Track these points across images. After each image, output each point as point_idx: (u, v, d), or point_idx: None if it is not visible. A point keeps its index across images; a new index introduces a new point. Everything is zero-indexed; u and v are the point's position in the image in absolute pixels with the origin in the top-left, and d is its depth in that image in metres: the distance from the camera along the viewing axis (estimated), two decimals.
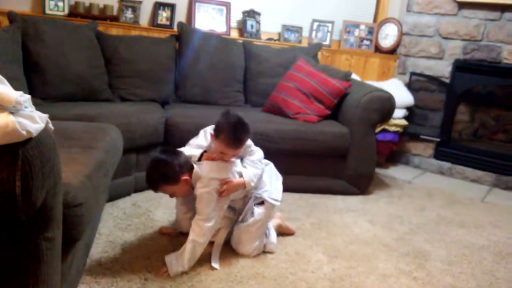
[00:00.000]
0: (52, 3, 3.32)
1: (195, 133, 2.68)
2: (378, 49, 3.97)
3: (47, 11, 3.30)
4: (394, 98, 2.94)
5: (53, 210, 1.08)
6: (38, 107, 1.09)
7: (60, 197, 1.14)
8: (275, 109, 3.10)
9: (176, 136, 2.68)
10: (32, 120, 0.97)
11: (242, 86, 3.43)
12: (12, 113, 0.95)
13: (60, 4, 3.34)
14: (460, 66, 3.62)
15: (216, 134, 1.89)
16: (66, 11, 3.35)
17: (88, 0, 3.41)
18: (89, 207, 1.38)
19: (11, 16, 2.69)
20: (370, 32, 3.93)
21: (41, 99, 2.62)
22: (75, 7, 3.36)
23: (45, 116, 1.01)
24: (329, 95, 3.03)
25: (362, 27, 3.93)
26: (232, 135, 1.85)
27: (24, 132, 0.93)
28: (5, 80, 1.02)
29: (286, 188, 2.23)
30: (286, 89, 3.10)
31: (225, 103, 3.29)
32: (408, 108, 3.73)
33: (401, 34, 3.85)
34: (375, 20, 4.01)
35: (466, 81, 3.61)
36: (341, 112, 3.06)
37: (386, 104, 2.92)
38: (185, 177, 1.85)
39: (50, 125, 1.08)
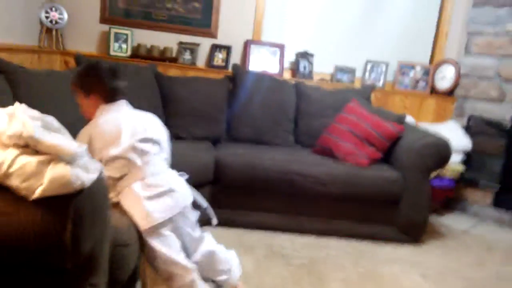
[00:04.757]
0: (117, 45, 3.54)
1: (244, 172, 2.74)
2: (434, 91, 3.86)
3: (112, 53, 3.53)
4: (450, 144, 2.83)
5: (100, 258, 1.12)
6: None
7: (107, 245, 1.18)
8: (326, 151, 3.08)
9: (226, 175, 2.73)
10: (87, 170, 1.03)
11: (292, 126, 3.45)
12: (68, 163, 1.01)
13: (124, 46, 3.56)
14: None
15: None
16: (129, 53, 3.56)
17: (149, 42, 3.61)
18: (135, 248, 1.43)
19: (78, 58, 2.90)
20: (426, 73, 3.85)
21: None
22: (137, 49, 3.57)
23: (100, 167, 1.07)
24: (381, 138, 2.97)
25: (418, 68, 3.85)
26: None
27: (78, 183, 0.98)
28: (63, 129, 1.09)
29: (334, 233, 2.17)
30: (338, 132, 3.08)
31: (276, 142, 3.32)
32: (465, 153, 3.58)
33: (459, 75, 3.73)
34: (431, 61, 3.92)
35: None
36: (394, 156, 2.99)
37: (442, 150, 2.81)
38: (97, 102, 1.81)
39: (104, 174, 1.14)
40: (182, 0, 3.62)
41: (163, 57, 3.59)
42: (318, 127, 3.30)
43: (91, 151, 1.67)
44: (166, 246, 1.69)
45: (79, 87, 1.82)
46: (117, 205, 1.69)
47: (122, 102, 1.88)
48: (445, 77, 3.80)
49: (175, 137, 3.16)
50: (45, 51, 3.34)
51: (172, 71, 3.56)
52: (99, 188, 1.05)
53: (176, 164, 2.47)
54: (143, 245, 1.66)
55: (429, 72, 3.84)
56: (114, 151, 1.69)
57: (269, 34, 3.79)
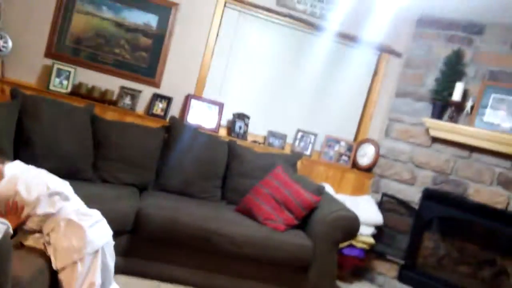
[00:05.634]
0: (58, 80, 3.57)
1: (164, 226, 2.80)
2: (355, 166, 4.19)
3: (51, 87, 3.54)
4: (359, 220, 3.08)
5: None
6: None
7: None
8: (247, 210, 3.23)
9: (145, 226, 2.78)
10: None
11: (221, 182, 3.58)
12: None
13: (65, 82, 3.59)
14: (428, 195, 3.81)
15: None
16: (69, 89, 3.59)
17: (92, 83, 3.67)
18: None
19: (14, 92, 2.91)
20: (349, 149, 4.18)
21: None
22: (78, 87, 3.61)
23: (4, 228, 1.14)
24: (299, 206, 3.17)
25: (343, 143, 4.18)
26: None
27: None
28: None
29: None
30: (260, 194, 3.26)
31: (202, 196, 3.42)
32: (377, 227, 3.86)
33: (378, 155, 4.09)
34: (355, 138, 4.28)
35: (433, 210, 3.78)
36: (309, 224, 3.18)
37: (351, 225, 3.06)
38: None
39: (10, 231, 1.20)
40: (130, 48, 3.75)
41: (103, 98, 3.65)
42: (245, 187, 3.45)
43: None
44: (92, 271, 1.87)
45: None
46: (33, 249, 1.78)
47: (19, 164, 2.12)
48: (366, 155, 4.15)
49: (102, 180, 3.18)
50: None
51: (110, 114, 3.61)
52: (4, 247, 1.12)
53: (96, 209, 2.51)
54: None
55: (352, 148, 4.18)
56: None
57: (210, 91, 3.98)
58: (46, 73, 3.59)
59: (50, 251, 1.85)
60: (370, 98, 4.24)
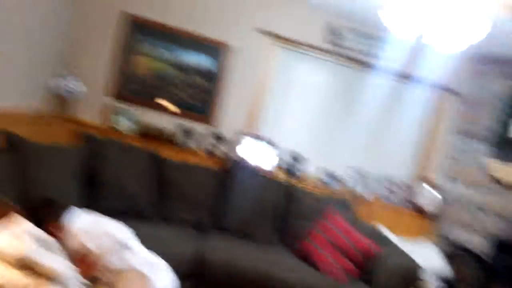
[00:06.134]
0: (121, 120, 3.75)
1: (226, 273, 2.81)
2: (414, 208, 4.04)
3: (115, 126, 3.74)
4: (419, 269, 2.96)
5: None
6: None
7: None
8: (306, 256, 3.18)
9: (207, 272, 2.79)
10: None
11: (278, 224, 3.56)
12: (56, 283, 1.13)
13: (128, 122, 3.77)
14: (502, 246, 3.56)
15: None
16: (132, 129, 3.77)
17: (151, 122, 3.85)
18: None
19: (84, 137, 3.10)
20: (408, 190, 4.05)
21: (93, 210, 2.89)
22: (140, 127, 3.80)
23: (79, 285, 1.19)
24: (359, 253, 3.09)
25: (400, 184, 4.07)
26: None
27: None
28: (59, 250, 1.22)
29: None
30: (318, 240, 3.21)
31: (259, 238, 3.41)
32: (444, 279, 3.66)
33: (438, 198, 3.93)
34: (414, 179, 4.15)
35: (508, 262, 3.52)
36: (373, 275, 3.07)
37: (411, 274, 2.94)
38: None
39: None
40: (187, 88, 3.89)
41: (162, 137, 3.79)
42: (302, 229, 3.41)
43: None
44: None
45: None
46: None
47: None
48: (425, 197, 4.00)
49: (163, 219, 3.27)
50: (53, 116, 3.53)
51: (168, 152, 3.71)
52: None
53: (160, 253, 2.57)
54: None
55: (411, 190, 4.04)
56: None
57: (265, 130, 4.03)
58: (111, 113, 3.79)
59: None
60: (428, 137, 4.12)
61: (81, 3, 3.72)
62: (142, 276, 1.95)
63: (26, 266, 1.11)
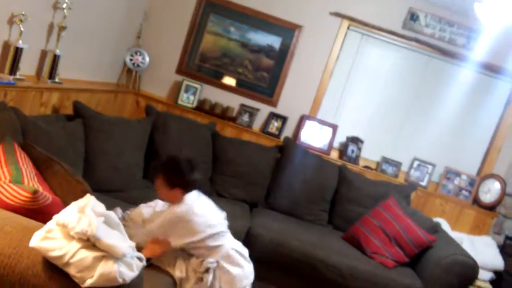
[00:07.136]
0: (185, 95, 3.86)
1: (271, 248, 2.88)
2: (476, 202, 3.87)
3: (179, 102, 3.84)
4: (478, 267, 2.85)
5: None
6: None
7: None
8: (355, 240, 3.17)
9: (254, 248, 2.86)
10: (130, 268, 1.23)
11: (328, 206, 3.56)
12: (117, 260, 1.21)
13: (192, 97, 3.87)
14: None
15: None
16: (195, 105, 3.86)
17: (214, 99, 3.91)
18: None
19: (148, 110, 3.22)
20: (471, 183, 3.87)
21: (151, 182, 3.03)
22: (203, 103, 3.87)
23: (141, 265, 1.27)
24: (411, 243, 3.03)
25: (464, 177, 3.89)
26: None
27: (120, 280, 1.18)
28: (121, 226, 1.30)
29: None
30: (370, 225, 3.17)
31: (309, 219, 3.44)
32: (497, 273, 3.53)
33: (504, 193, 3.73)
34: (479, 173, 3.95)
35: None
36: (420, 263, 3.03)
37: (469, 272, 2.84)
38: (178, 192, 2.05)
39: (143, 266, 1.32)
40: (252, 68, 3.91)
41: (224, 115, 3.86)
42: (353, 214, 3.40)
43: (166, 233, 2.02)
44: None
45: (164, 180, 2.07)
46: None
47: (196, 193, 2.17)
48: (489, 192, 3.81)
49: (216, 194, 3.37)
50: (121, 90, 3.70)
51: (229, 130, 3.81)
52: (137, 283, 1.25)
53: None
54: None
55: (474, 183, 3.86)
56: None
57: (325, 112, 3.98)
58: (176, 88, 3.91)
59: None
60: (499, 130, 3.88)
61: None
62: (235, 261, 2.10)
63: (88, 241, 1.19)
